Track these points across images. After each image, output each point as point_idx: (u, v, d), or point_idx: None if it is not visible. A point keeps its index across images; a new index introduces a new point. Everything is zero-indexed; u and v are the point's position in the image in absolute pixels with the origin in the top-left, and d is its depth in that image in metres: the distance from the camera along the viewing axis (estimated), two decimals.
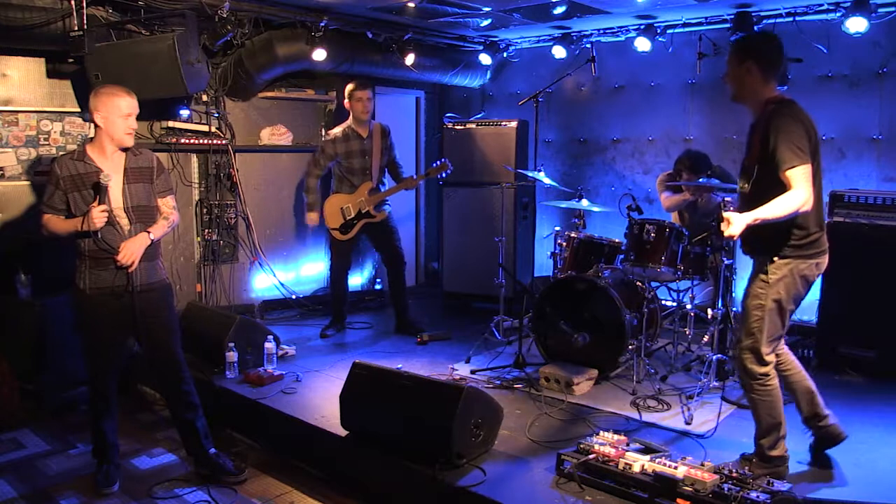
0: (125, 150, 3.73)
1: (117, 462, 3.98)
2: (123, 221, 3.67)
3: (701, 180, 5.04)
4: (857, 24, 5.32)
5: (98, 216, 3.50)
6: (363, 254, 7.64)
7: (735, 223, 3.19)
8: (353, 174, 5.98)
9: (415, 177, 6.15)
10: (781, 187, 3.20)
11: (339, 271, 6.27)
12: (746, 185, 3.43)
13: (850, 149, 5.84)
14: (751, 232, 3.27)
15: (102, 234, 3.57)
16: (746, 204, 3.37)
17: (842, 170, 5.86)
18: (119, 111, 3.61)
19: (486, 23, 6.68)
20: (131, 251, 3.63)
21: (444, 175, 5.97)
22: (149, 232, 3.72)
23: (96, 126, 3.65)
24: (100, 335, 3.76)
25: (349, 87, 5.94)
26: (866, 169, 5.77)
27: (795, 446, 4.02)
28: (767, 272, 3.37)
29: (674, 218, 5.74)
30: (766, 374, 3.44)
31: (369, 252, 7.68)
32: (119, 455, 4.03)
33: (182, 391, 3.98)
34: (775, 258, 3.36)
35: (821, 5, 5.62)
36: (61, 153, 3.87)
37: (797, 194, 3.16)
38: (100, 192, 3.54)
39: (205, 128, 6.32)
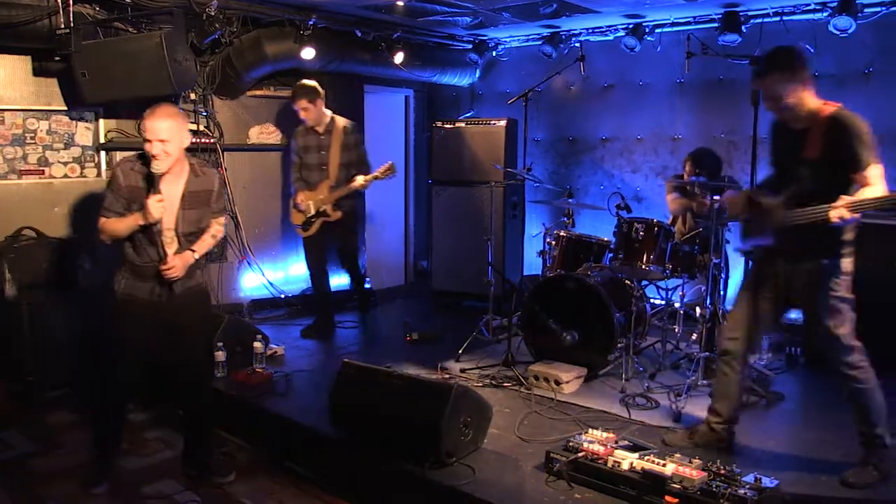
0: (190, 167, 3.70)
1: (112, 463, 3.96)
2: (172, 245, 3.65)
3: (692, 178, 5.08)
4: (843, 24, 5.36)
5: (155, 206, 3.49)
6: None
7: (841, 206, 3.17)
8: (310, 170, 5.93)
9: (363, 179, 5.83)
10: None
11: (312, 269, 6.20)
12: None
13: None
14: (821, 233, 3.34)
15: (148, 253, 3.62)
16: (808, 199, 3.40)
17: None
18: (144, 132, 3.56)
19: (474, 22, 6.69)
20: (177, 266, 3.63)
21: (390, 178, 5.86)
22: (193, 250, 3.72)
23: None
24: (127, 339, 3.74)
25: None
26: None
27: (792, 443, 4.06)
28: (839, 268, 3.45)
29: (670, 221, 5.74)
30: (864, 359, 3.50)
31: (359, 251, 7.67)
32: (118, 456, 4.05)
33: (201, 393, 4.00)
34: (843, 257, 3.45)
35: (808, 5, 5.66)
36: (124, 158, 3.71)
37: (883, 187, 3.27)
38: (153, 183, 3.51)
39: (193, 126, 6.29)
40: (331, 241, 6.14)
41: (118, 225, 3.58)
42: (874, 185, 3.24)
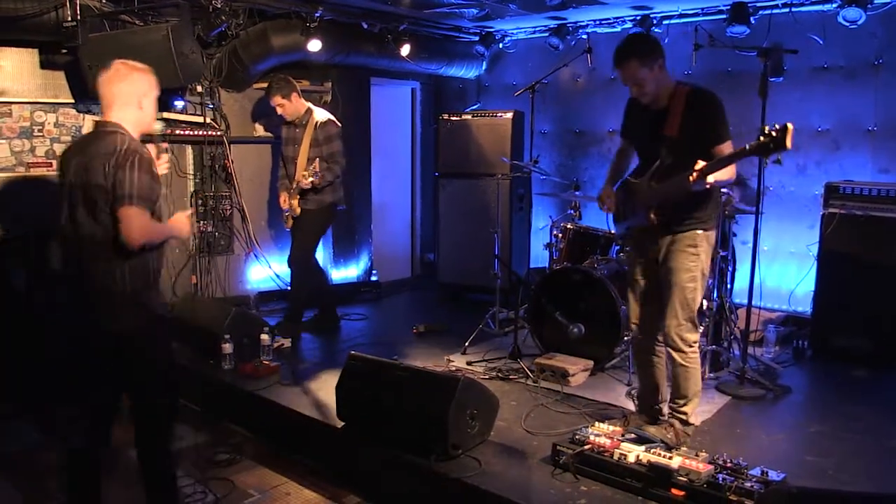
0: None
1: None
2: None
3: None
4: (853, 16, 5.32)
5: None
6: (358, 244, 7.64)
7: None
8: (287, 163, 5.86)
9: (300, 175, 5.56)
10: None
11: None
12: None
13: (845, 140, 5.84)
14: (681, 207, 3.52)
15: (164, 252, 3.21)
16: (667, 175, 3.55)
17: (837, 161, 5.87)
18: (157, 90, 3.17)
19: (481, 13, 6.66)
20: None
21: (315, 176, 5.42)
22: None
23: (131, 111, 3.04)
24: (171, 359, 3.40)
25: None
26: (861, 160, 5.77)
27: (799, 436, 4.06)
28: (696, 245, 3.56)
29: None
30: (697, 341, 3.67)
31: (365, 243, 7.69)
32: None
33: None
34: (700, 231, 3.56)
35: None
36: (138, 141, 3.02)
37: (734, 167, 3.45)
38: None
39: (200, 119, 6.29)
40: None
41: (160, 230, 3.07)
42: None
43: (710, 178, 3.29)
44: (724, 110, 3.50)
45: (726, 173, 3.38)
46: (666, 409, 3.92)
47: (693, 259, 3.57)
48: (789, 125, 2.94)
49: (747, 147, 3.08)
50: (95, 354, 3.04)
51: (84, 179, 2.91)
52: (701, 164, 3.28)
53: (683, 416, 3.73)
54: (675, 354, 3.65)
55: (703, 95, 3.53)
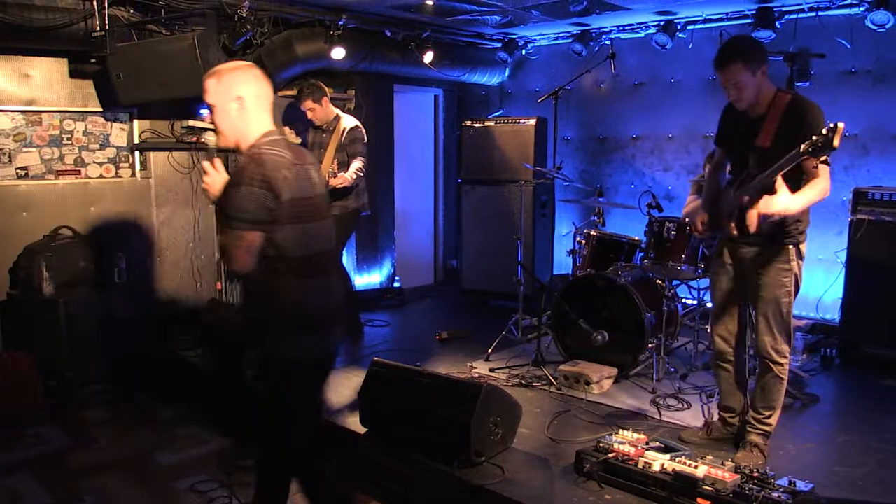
0: None
1: None
2: None
3: None
4: (881, 19, 5.25)
5: None
6: (381, 251, 7.66)
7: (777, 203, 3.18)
8: None
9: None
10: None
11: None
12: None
13: (874, 145, 5.76)
14: (770, 220, 3.37)
15: None
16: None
17: (865, 166, 5.79)
18: None
19: (504, 20, 6.67)
20: None
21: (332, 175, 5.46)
22: None
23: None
24: None
25: None
26: (891, 165, 5.69)
27: (827, 446, 4.01)
28: (789, 259, 3.49)
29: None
30: (790, 350, 3.59)
31: (388, 249, 7.70)
32: None
33: None
34: (791, 245, 3.49)
35: (844, 0, 5.55)
36: None
37: (827, 184, 3.31)
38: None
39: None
40: None
41: None
42: (821, 176, 3.28)
43: (799, 205, 3.22)
44: (823, 122, 3.27)
45: (817, 193, 3.26)
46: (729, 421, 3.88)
47: (786, 274, 3.49)
48: (840, 124, 2.89)
49: (801, 149, 3.01)
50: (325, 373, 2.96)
51: (319, 191, 2.87)
52: (760, 209, 3.20)
53: (768, 428, 3.63)
54: (772, 366, 3.58)
55: (802, 106, 3.38)
